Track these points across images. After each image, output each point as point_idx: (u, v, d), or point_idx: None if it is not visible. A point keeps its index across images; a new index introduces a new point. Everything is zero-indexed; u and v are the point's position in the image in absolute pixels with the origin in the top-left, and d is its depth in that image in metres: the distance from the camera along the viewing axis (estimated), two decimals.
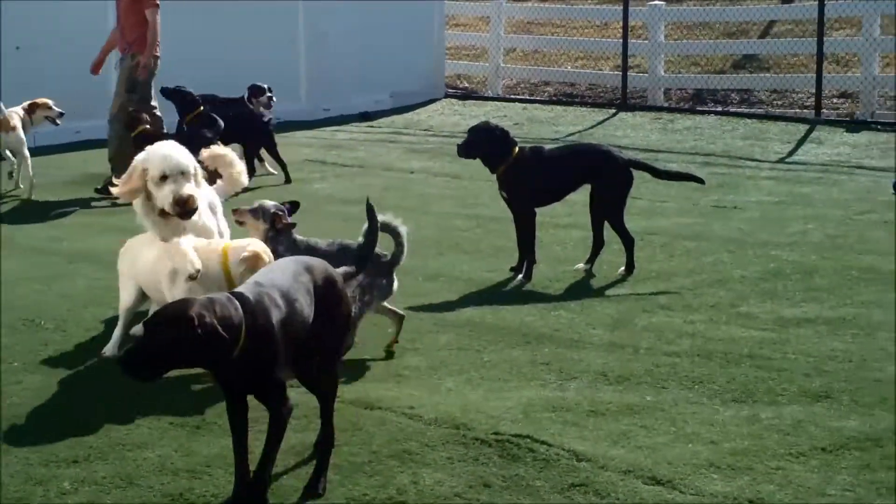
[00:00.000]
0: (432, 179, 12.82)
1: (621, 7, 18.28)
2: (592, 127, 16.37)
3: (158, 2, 12.49)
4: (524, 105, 18.36)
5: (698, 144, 14.64)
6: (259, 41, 16.80)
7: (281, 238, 7.36)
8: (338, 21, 17.60)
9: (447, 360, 7.10)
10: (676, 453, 5.68)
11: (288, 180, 12.72)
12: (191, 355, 4.66)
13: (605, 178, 9.09)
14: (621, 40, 18.17)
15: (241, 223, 7.47)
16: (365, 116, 17.38)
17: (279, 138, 15.52)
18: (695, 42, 19.27)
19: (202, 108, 12.67)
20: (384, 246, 7.02)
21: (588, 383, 6.68)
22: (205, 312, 4.64)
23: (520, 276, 8.91)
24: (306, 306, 5.10)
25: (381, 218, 6.71)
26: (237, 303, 4.81)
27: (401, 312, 7.42)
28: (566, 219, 10.38)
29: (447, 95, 19.26)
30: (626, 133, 15.62)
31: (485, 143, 9.13)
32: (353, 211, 11.22)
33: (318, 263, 5.35)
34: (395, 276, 7.30)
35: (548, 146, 9.86)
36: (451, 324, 7.81)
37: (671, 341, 7.38)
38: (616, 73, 18.56)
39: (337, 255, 6.97)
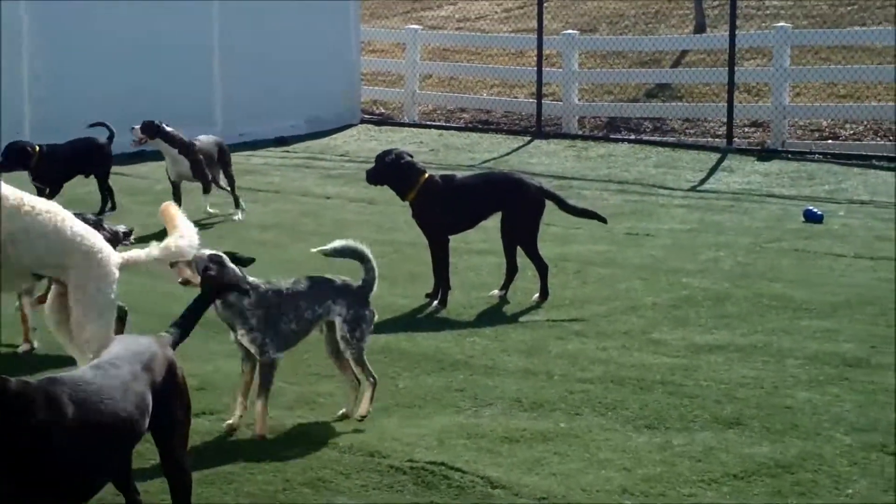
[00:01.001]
0: (348, 205, 12.82)
1: (535, 36, 18.42)
2: (508, 154, 16.46)
3: None
4: (440, 131, 18.41)
5: (612, 172, 14.77)
6: (173, 66, 16.70)
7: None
8: (253, 45, 17.54)
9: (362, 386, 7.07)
10: (590, 480, 5.72)
11: (112, 207, 12.57)
12: None
13: (517, 205, 9.15)
14: (536, 68, 18.30)
15: (185, 283, 6.51)
16: (280, 141, 17.32)
17: None
18: (608, 71, 19.47)
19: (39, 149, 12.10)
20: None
21: (502, 410, 6.70)
22: None
23: (435, 302, 8.93)
24: (127, 407, 4.36)
25: (346, 243, 6.72)
26: None
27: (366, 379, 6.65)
28: (481, 244, 10.41)
29: (363, 121, 19.26)
30: (541, 160, 15.72)
31: (391, 171, 9.17)
32: (269, 237, 11.25)
33: (160, 356, 4.65)
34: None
35: (460, 174, 9.90)
36: (375, 350, 7.76)
37: (585, 368, 7.43)
38: (531, 100, 18.68)
39: (306, 293, 6.59)
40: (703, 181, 14.31)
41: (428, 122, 19.42)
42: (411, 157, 9.32)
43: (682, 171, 14.78)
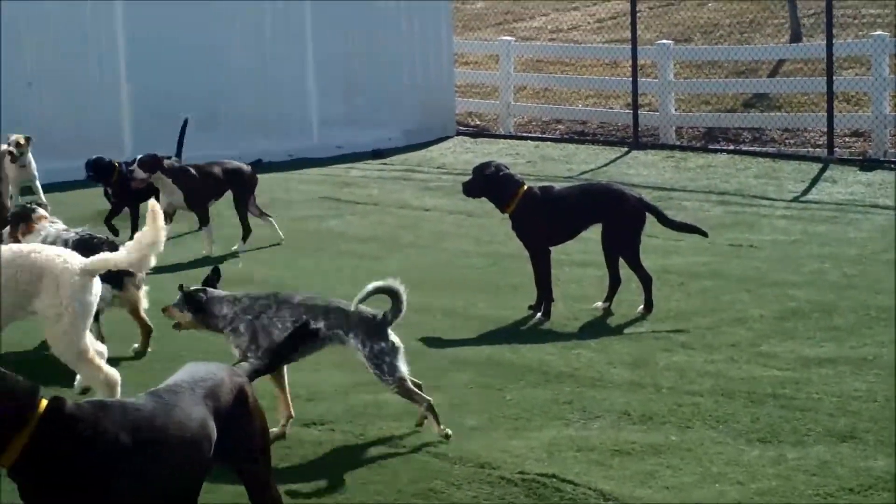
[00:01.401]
0: (447, 217, 12.83)
1: (629, 46, 18.32)
2: (605, 165, 16.38)
3: None
4: (536, 143, 18.38)
5: (711, 183, 14.64)
6: (271, 80, 16.85)
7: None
8: (348, 59, 17.66)
9: (468, 398, 7.08)
10: (703, 493, 5.66)
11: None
12: None
13: (617, 216, 9.09)
14: (631, 79, 18.19)
15: (177, 326, 6.70)
16: (377, 154, 17.40)
17: (293, 174, 15.63)
18: (705, 81, 19.30)
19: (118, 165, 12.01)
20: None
21: (611, 422, 6.66)
22: None
23: (538, 314, 8.89)
24: (182, 434, 4.27)
25: (378, 285, 6.41)
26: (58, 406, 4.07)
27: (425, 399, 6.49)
28: (582, 256, 10.36)
29: (459, 133, 19.28)
30: (639, 171, 15.62)
31: (490, 184, 9.14)
32: (367, 249, 11.29)
33: (227, 383, 4.53)
34: (391, 335, 6.50)
35: (558, 185, 9.86)
36: (470, 362, 7.79)
37: (693, 380, 7.36)
38: (627, 111, 18.58)
39: (326, 312, 6.59)
40: (805, 192, 14.12)
41: (524, 134, 19.39)
42: (509, 169, 9.29)
43: (783, 182, 14.60)
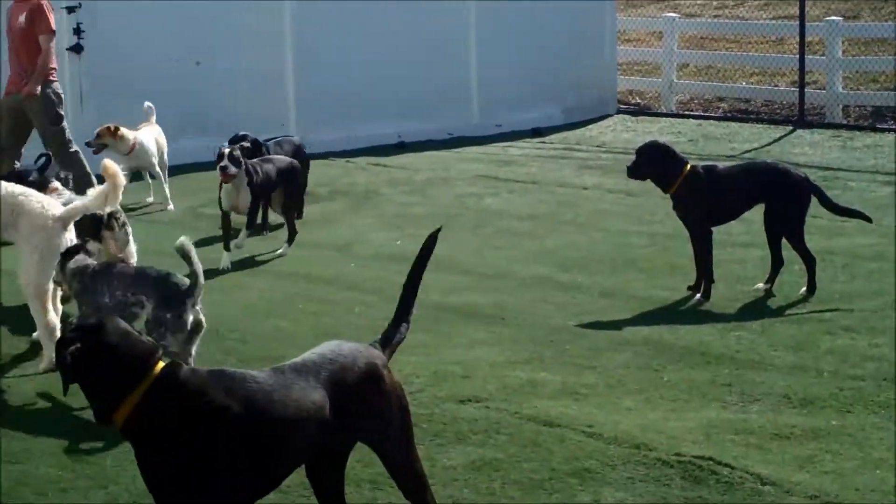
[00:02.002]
0: (606, 196, 12.73)
1: (797, 22, 17.93)
2: (769, 144, 16.08)
3: (54, 27, 11.58)
4: (698, 121, 18.13)
5: (879, 163, 14.26)
6: (430, 58, 16.92)
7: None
8: (508, 36, 17.62)
9: (625, 378, 7.04)
10: (864, 480, 5.54)
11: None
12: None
13: (782, 196, 8.92)
14: (798, 56, 17.81)
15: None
16: (536, 132, 17.35)
17: (452, 153, 15.69)
18: (874, 58, 18.81)
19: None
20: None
21: (771, 406, 6.55)
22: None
23: (697, 295, 8.78)
24: (294, 414, 4.23)
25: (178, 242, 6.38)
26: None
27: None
28: (744, 237, 10.20)
29: (619, 111, 19.11)
30: (804, 151, 15.30)
31: (653, 164, 9.02)
32: (526, 227, 11.28)
33: (357, 363, 4.47)
34: (189, 309, 6.61)
35: (721, 164, 9.71)
36: (627, 342, 7.73)
37: (855, 364, 7.20)
38: (792, 88, 18.19)
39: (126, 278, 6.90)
40: None
41: (685, 112, 19.13)
42: (672, 148, 9.17)
43: None
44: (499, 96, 17.52)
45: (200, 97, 15.21)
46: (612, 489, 5.48)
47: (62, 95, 11.84)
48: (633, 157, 9.27)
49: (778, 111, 18.76)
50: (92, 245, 8.03)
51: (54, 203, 7.79)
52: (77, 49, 14.38)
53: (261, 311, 8.54)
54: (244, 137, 11.20)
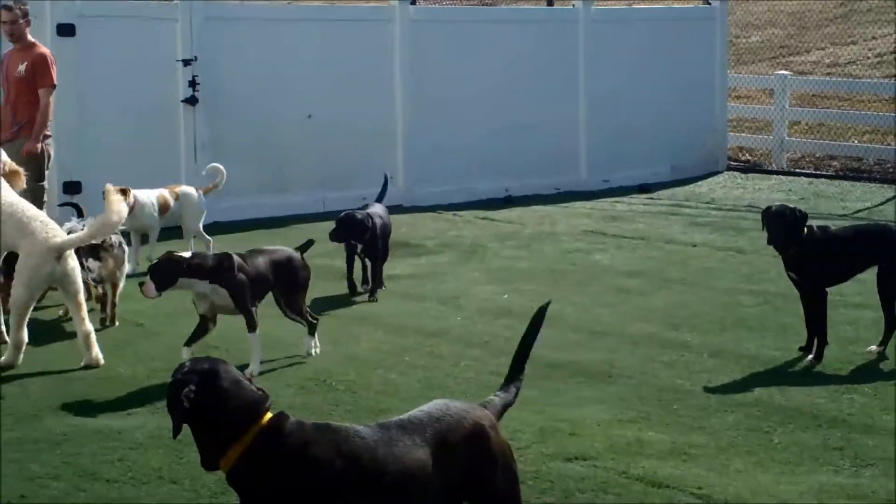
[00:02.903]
0: (716, 253, 12.62)
1: None
2: (881, 204, 15.86)
3: (56, 82, 11.39)
4: (809, 179, 17.95)
5: None
6: (540, 113, 16.96)
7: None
8: (617, 92, 17.61)
9: (735, 440, 6.94)
10: None
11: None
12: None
13: (894, 258, 8.78)
14: None
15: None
16: (644, 188, 17.29)
17: (559, 208, 15.68)
18: None
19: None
20: None
21: (883, 470, 6.43)
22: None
23: (809, 356, 8.65)
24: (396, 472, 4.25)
25: None
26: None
27: None
28: (856, 298, 10.05)
29: (729, 168, 19.00)
30: None
31: (783, 227, 8.84)
32: (633, 284, 11.23)
33: (464, 423, 4.46)
34: None
35: (832, 225, 9.57)
36: (737, 403, 7.63)
37: None
38: None
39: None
40: None
41: (796, 170, 18.96)
42: (803, 212, 8.97)
43: None
44: (607, 152, 17.51)
45: (312, 149, 15.40)
46: None
47: (52, 154, 11.60)
48: (762, 222, 9.00)
49: (890, 170, 18.51)
50: (91, 263, 9.53)
51: (58, 232, 8.65)
52: (192, 101, 14.65)
53: (369, 363, 8.58)
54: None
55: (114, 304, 9.78)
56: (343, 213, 10.95)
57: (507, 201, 16.25)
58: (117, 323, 9.75)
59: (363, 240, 10.75)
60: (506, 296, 10.72)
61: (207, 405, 4.10)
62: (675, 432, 7.06)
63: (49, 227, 8.60)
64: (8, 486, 6.23)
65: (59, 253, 8.43)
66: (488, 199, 16.16)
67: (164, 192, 12.05)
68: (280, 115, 15.18)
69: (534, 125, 16.86)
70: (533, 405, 7.49)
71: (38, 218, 8.66)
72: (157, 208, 11.82)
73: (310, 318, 8.78)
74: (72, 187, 13.76)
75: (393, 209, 15.04)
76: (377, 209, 11.20)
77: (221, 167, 12.61)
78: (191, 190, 12.32)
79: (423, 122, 16.10)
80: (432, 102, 16.12)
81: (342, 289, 10.95)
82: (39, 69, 11.28)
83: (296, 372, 8.30)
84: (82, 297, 8.61)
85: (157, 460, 6.57)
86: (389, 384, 8.08)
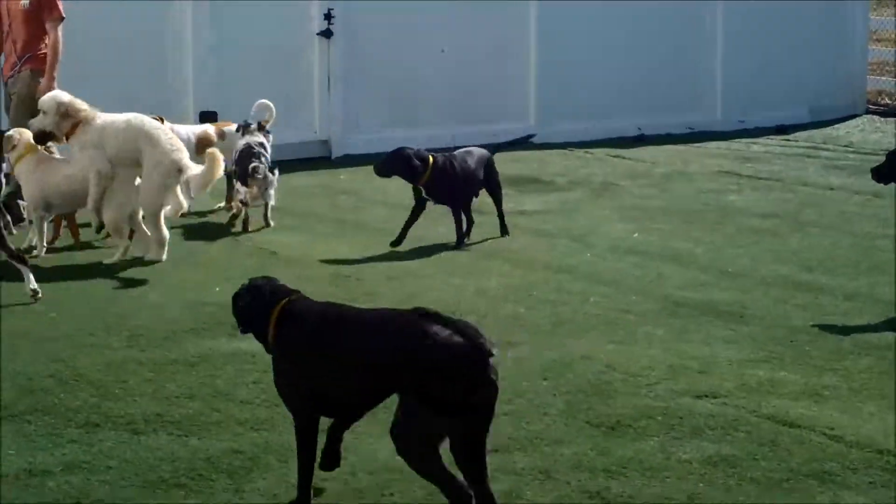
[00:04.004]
0: (852, 197, 12.37)
1: None
2: None
3: (63, 14, 10.72)
4: None
5: None
6: (675, 54, 16.75)
7: None
8: (757, 34, 17.28)
9: (868, 383, 6.83)
10: None
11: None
12: None
13: None
14: None
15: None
16: (781, 130, 16.98)
17: (692, 148, 15.50)
18: None
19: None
20: None
21: None
22: None
23: None
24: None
25: None
26: None
27: None
28: None
29: (868, 111, 18.58)
30: None
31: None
32: (768, 225, 11.06)
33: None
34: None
35: None
36: (871, 346, 7.50)
37: None
38: None
39: None
40: None
41: None
42: None
43: None
44: (743, 93, 17.22)
45: (443, 84, 15.39)
46: (852, 493, 5.34)
47: None
48: (883, 160, 8.99)
49: None
50: (240, 187, 10.50)
51: (182, 148, 9.72)
52: (327, 34, 14.71)
53: (498, 297, 8.60)
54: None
55: (266, 215, 10.70)
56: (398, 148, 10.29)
57: (639, 140, 16.09)
58: (272, 223, 10.65)
59: (414, 179, 10.07)
60: (636, 234, 10.64)
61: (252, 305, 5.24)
62: (807, 373, 6.97)
63: (174, 140, 9.68)
64: (143, 404, 6.39)
65: (180, 170, 9.51)
66: (620, 137, 16.01)
67: (209, 129, 11.43)
68: (413, 50, 15.18)
69: (668, 63, 16.64)
70: (662, 343, 7.47)
71: (163, 130, 9.74)
72: (193, 145, 10.81)
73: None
74: (208, 117, 13.95)
75: (524, 146, 15.03)
76: (465, 153, 10.60)
77: (270, 104, 11.47)
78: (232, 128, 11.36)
79: (556, 58, 15.97)
80: (565, 39, 15.98)
81: (475, 222, 11.01)
82: (45, 1, 10.64)
83: (425, 304, 8.32)
84: None
85: None
86: (518, 318, 8.09)
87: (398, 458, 5.32)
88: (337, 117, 14.65)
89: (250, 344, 7.25)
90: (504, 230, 10.58)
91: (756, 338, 7.65)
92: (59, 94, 9.75)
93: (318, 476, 5.39)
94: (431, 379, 4.62)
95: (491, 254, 9.97)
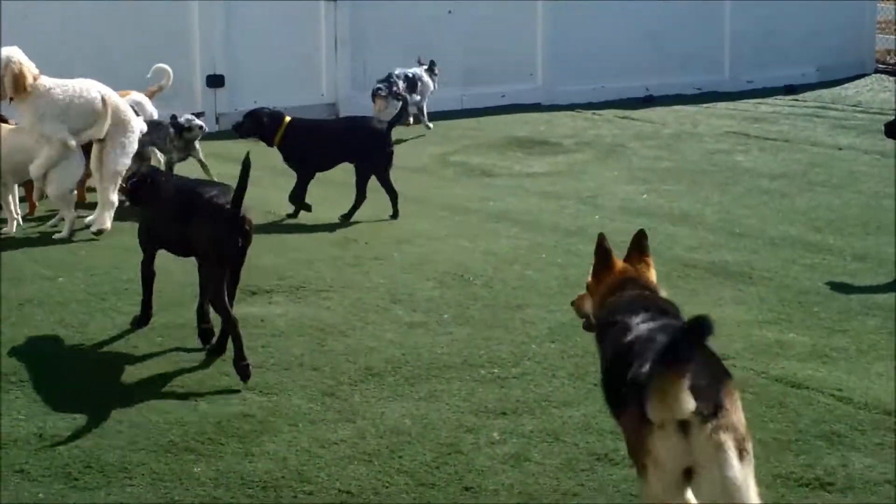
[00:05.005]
0: (861, 157, 12.34)
1: None
2: None
3: None
4: None
5: None
6: (682, 13, 16.68)
7: None
8: None
9: (877, 343, 6.83)
10: None
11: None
12: None
13: None
14: None
15: None
16: (789, 89, 16.93)
17: (701, 108, 15.46)
18: None
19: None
20: None
21: None
22: None
23: None
24: None
25: None
26: None
27: None
28: None
29: (877, 70, 18.50)
30: None
31: None
32: (776, 185, 11.04)
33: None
34: None
35: None
36: (879, 307, 7.49)
37: None
38: None
39: None
40: None
41: None
42: None
43: None
44: (751, 52, 17.17)
45: (451, 46, 15.35)
46: (860, 455, 5.34)
47: None
48: (893, 117, 8.98)
49: None
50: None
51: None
52: None
53: (507, 259, 8.60)
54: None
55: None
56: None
57: (648, 101, 16.05)
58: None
59: (266, 139, 10.00)
60: (645, 195, 10.63)
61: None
62: (815, 334, 6.97)
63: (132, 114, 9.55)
64: (152, 367, 6.41)
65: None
66: (628, 98, 15.97)
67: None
68: (420, 11, 15.14)
69: (676, 23, 16.57)
70: None
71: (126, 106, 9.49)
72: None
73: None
74: (215, 80, 13.94)
75: (531, 107, 15.02)
76: (342, 119, 10.64)
77: (168, 67, 11.03)
78: (141, 98, 10.68)
79: (564, 19, 15.92)
80: (576, 2, 15.93)
81: (483, 185, 10.99)
82: None
83: (434, 266, 8.35)
84: None
85: (299, 347, 6.70)
86: (526, 280, 8.09)
87: (407, 421, 5.35)
88: (344, 80, 14.63)
89: (260, 308, 7.31)
90: (395, 213, 9.85)
91: (764, 298, 7.65)
92: (13, 51, 9.02)
93: (328, 439, 5.42)
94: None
95: (499, 216, 9.96)
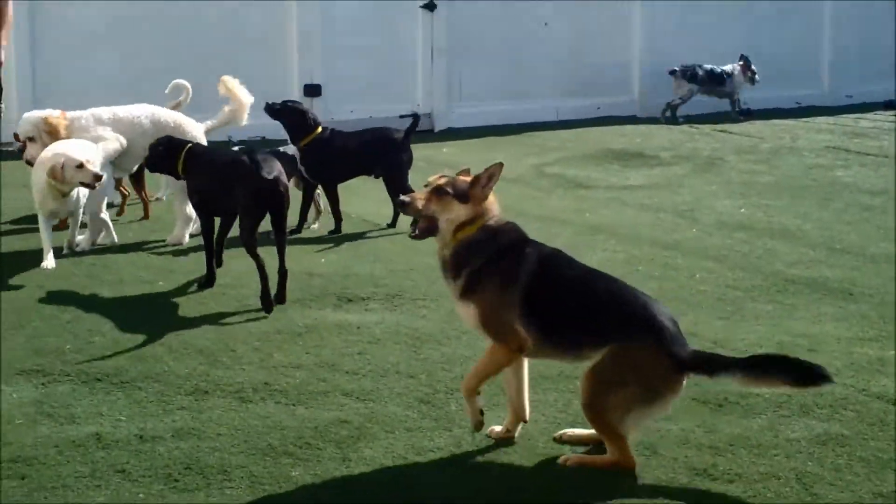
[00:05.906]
0: None
1: None
2: None
3: None
4: None
5: None
6: (781, 27, 16.54)
7: None
8: (866, 8, 17.01)
9: None
10: None
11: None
12: None
13: None
14: None
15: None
16: (890, 105, 16.70)
17: (800, 122, 15.29)
18: None
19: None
20: None
21: None
22: None
23: None
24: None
25: None
26: None
27: None
28: None
29: None
30: None
31: None
32: (877, 202, 10.88)
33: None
34: None
35: None
36: None
37: None
38: None
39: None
40: None
41: None
42: None
43: None
44: (851, 67, 16.97)
45: (547, 58, 15.36)
46: None
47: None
48: None
49: None
50: None
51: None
52: (430, 7, 14.72)
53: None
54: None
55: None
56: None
57: (746, 114, 15.92)
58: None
59: (292, 136, 9.77)
60: (743, 209, 10.54)
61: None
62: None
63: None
64: (251, 373, 6.47)
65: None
66: (726, 111, 15.85)
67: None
68: (516, 23, 15.15)
69: (775, 38, 16.44)
70: (770, 319, 7.38)
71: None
72: None
73: None
74: (312, 90, 14.06)
75: (627, 119, 14.96)
76: (362, 132, 10.10)
77: (186, 83, 10.63)
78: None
79: (661, 34, 15.86)
80: (671, 12, 15.86)
81: (579, 197, 10.96)
82: None
83: None
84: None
85: (395, 355, 6.72)
86: None
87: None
88: (439, 91, 14.69)
89: (356, 315, 7.35)
90: (394, 222, 9.76)
91: (865, 315, 7.54)
92: (34, 115, 9.30)
93: (424, 446, 5.43)
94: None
95: (595, 228, 9.93)
